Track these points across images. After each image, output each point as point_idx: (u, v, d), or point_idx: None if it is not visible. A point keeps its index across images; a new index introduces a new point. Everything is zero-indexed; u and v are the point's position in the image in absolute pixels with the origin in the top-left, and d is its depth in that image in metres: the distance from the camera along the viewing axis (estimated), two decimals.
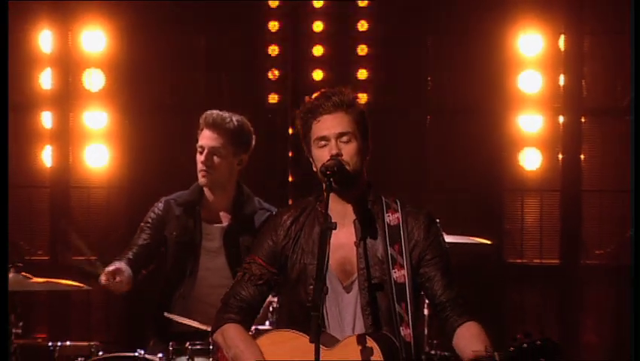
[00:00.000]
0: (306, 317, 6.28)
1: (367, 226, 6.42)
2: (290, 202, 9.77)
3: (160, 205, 8.32)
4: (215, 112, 8.23)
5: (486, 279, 9.98)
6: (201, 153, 8.17)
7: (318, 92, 6.52)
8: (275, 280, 6.57)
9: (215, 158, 8.12)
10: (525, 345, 6.01)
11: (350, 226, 6.40)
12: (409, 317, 6.35)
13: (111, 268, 8.07)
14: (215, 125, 8.16)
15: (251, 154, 8.42)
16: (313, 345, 6.09)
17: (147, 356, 7.78)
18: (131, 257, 8.19)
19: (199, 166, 8.16)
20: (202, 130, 8.18)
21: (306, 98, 6.54)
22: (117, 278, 8.10)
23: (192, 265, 8.32)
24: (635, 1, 8.62)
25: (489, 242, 9.06)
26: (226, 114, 8.24)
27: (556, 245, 10.53)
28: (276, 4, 10.32)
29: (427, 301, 6.89)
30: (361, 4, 10.36)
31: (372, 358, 6.25)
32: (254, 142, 8.38)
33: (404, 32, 10.35)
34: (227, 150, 8.20)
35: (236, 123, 8.21)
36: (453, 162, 10.37)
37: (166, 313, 8.12)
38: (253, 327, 6.91)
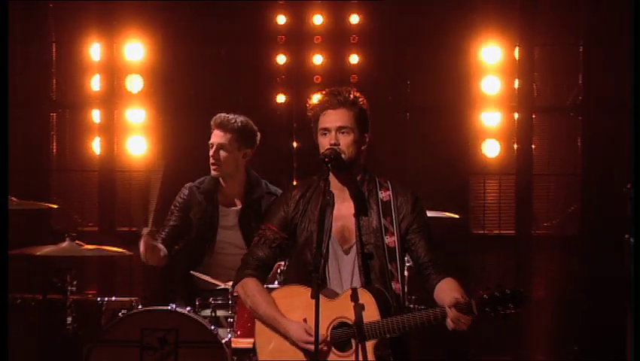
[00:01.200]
0: (309, 275, 6.30)
1: (363, 201, 6.49)
2: (294, 183, 9.80)
3: (185, 192, 8.34)
4: (223, 114, 8.23)
5: (455, 246, 9.90)
6: (211, 148, 8.12)
7: (327, 90, 6.56)
8: (286, 243, 6.58)
9: (222, 152, 8.13)
10: (496, 293, 6.02)
11: (350, 200, 6.46)
12: (399, 274, 6.40)
13: (149, 246, 8.08)
14: (222, 126, 8.14)
15: (260, 146, 8.34)
16: (333, 299, 6.26)
17: (177, 309, 7.71)
18: (164, 237, 8.28)
19: (210, 160, 8.13)
20: (212, 130, 8.13)
21: (313, 94, 6.60)
22: (154, 254, 8.10)
23: (210, 242, 8.31)
24: (635, 2, 8.14)
25: (457, 216, 9.09)
26: (231, 116, 8.21)
27: (511, 219, 10.50)
28: (283, 20, 10.27)
29: (407, 263, 6.75)
30: (353, 22, 10.30)
31: (368, 306, 6.27)
32: (258, 139, 8.31)
33: (388, 45, 10.31)
34: (232, 146, 8.15)
35: (240, 123, 8.19)
36: (428, 150, 10.31)
37: (191, 272, 8.10)
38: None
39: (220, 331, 7.71)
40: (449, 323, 6.11)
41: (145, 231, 8.12)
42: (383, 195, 6.51)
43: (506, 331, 10.05)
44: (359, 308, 6.33)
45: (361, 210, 6.48)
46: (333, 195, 6.46)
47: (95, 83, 10.40)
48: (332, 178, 6.47)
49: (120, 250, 8.41)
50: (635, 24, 8.07)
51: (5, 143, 7.58)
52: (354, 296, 6.34)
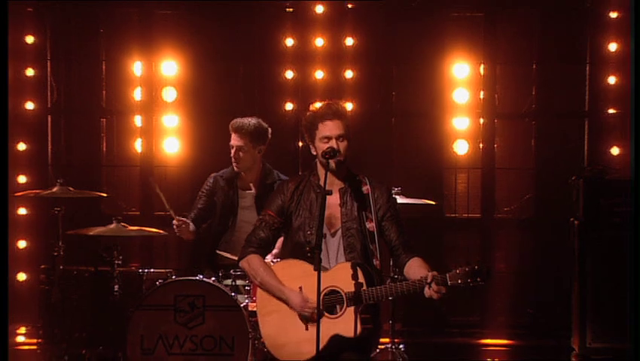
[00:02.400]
0: (303, 252, 6.41)
1: (346, 194, 6.45)
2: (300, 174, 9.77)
3: (210, 180, 8.29)
4: (238, 120, 8.17)
5: (432, 227, 9.95)
6: (231, 149, 8.10)
7: (323, 103, 6.57)
8: (282, 227, 6.60)
9: (240, 153, 8.10)
10: (467, 269, 6.06)
11: (336, 193, 6.42)
12: (378, 252, 6.39)
13: (181, 220, 8.10)
14: (238, 130, 8.10)
15: (271, 144, 8.24)
16: (312, 268, 6.13)
17: (204, 279, 7.73)
18: (193, 217, 8.25)
19: (232, 159, 8.10)
20: (231, 133, 8.09)
21: (311, 105, 6.61)
22: (184, 227, 8.08)
23: (232, 220, 8.27)
24: (635, 2, 7.90)
25: (433, 202, 9.06)
26: (245, 120, 8.13)
27: (478, 204, 10.44)
28: (290, 42, 10.20)
29: None
30: (348, 44, 10.23)
31: (354, 277, 6.29)
32: (269, 134, 8.19)
33: (377, 62, 10.27)
34: (248, 146, 8.11)
35: (252, 126, 8.11)
36: (410, 149, 10.27)
37: (217, 251, 8.12)
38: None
39: (239, 297, 7.71)
40: (427, 292, 6.11)
41: (176, 221, 8.13)
42: (363, 188, 6.49)
43: (474, 296, 10.03)
44: (348, 278, 6.33)
45: (344, 202, 6.48)
46: (325, 189, 6.36)
47: (137, 94, 10.34)
48: (322, 174, 6.47)
49: (157, 230, 8.37)
50: (636, 24, 7.82)
51: (5, 143, 7.35)
52: (344, 269, 6.36)
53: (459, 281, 6.09)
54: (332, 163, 6.38)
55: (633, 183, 7.55)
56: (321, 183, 6.43)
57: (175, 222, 8.10)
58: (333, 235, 6.47)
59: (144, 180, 10.31)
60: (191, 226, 8.23)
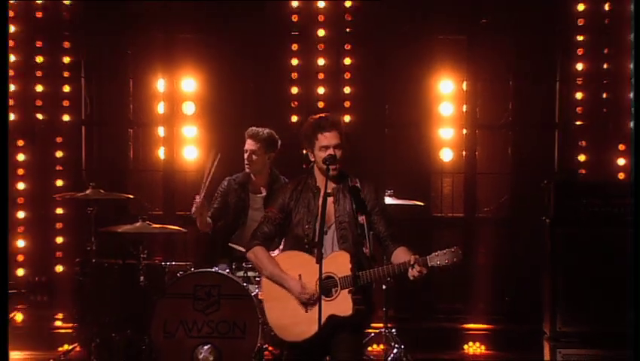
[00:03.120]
0: (302, 244, 6.46)
1: (340, 192, 6.50)
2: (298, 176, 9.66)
3: (225, 183, 8.31)
4: (254, 128, 8.21)
5: (420, 225, 9.87)
6: (245, 153, 8.11)
7: (321, 114, 6.60)
8: (283, 222, 6.58)
9: (253, 156, 8.12)
10: (444, 251, 6.17)
11: (332, 191, 6.42)
12: (367, 241, 6.29)
13: (202, 200, 8.08)
14: (253, 136, 8.14)
15: (279, 152, 8.26)
16: (309, 258, 6.27)
17: (219, 271, 7.79)
18: (210, 216, 8.21)
19: (245, 161, 8.11)
20: (246, 139, 8.13)
21: (310, 117, 6.60)
22: (203, 218, 8.11)
23: (244, 219, 8.28)
24: (635, 3, 7.75)
25: (422, 203, 9.05)
26: (260, 129, 8.18)
27: (461, 205, 10.40)
28: (295, 62, 10.20)
29: None
30: (347, 62, 10.21)
31: (346, 264, 6.30)
32: (279, 144, 8.21)
33: (372, 79, 10.23)
34: (260, 151, 8.13)
35: (266, 134, 8.15)
36: (401, 156, 10.22)
37: (230, 244, 8.10)
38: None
39: (250, 287, 7.76)
40: (410, 273, 6.17)
41: (198, 198, 8.05)
42: (354, 187, 6.45)
43: (458, 285, 10.01)
44: (341, 265, 6.34)
45: (337, 199, 6.48)
46: (319, 188, 6.48)
47: (160, 108, 10.33)
48: (318, 176, 6.51)
49: (178, 228, 8.37)
50: (636, 24, 7.60)
51: (5, 143, 7.01)
52: (337, 257, 6.37)
53: (438, 262, 6.16)
54: (331, 168, 6.41)
55: (633, 183, 7.45)
56: (318, 184, 6.48)
57: (197, 198, 8.06)
58: (328, 228, 6.46)
59: (166, 183, 10.31)
60: (208, 218, 8.23)
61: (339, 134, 6.45)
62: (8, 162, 7.56)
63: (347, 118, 10.07)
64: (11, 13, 9.86)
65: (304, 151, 6.67)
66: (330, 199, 6.40)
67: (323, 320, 6.18)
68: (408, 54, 10.20)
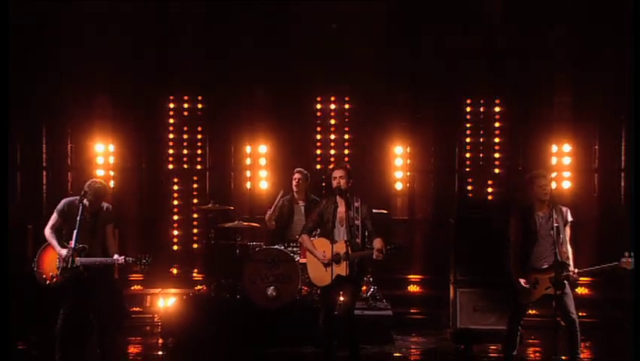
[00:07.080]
0: (328, 234, 6.17)
1: (349, 207, 6.18)
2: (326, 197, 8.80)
3: (280, 202, 8.00)
4: (300, 168, 8.04)
5: (385, 224, 8.56)
6: (294, 180, 7.93)
7: (335, 164, 6.81)
8: (319, 222, 6.28)
9: (300, 182, 7.95)
10: (392, 245, 6.06)
11: (343, 206, 6.17)
12: (360, 234, 6.11)
13: (270, 217, 7.80)
14: (300, 172, 7.98)
15: (310, 182, 7.96)
16: (335, 243, 6.03)
17: (278, 247, 7.54)
18: (274, 220, 8.01)
19: (294, 184, 7.93)
20: (294, 174, 7.95)
21: (330, 166, 6.56)
22: (270, 221, 7.83)
23: (291, 221, 7.97)
24: (635, 3, 5.36)
25: (386, 211, 8.22)
26: (302, 169, 8.00)
27: (406, 211, 9.46)
28: (319, 137, 9.39)
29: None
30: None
31: (347, 246, 6.08)
32: (309, 179, 8.00)
33: (359, 147, 9.36)
34: (302, 180, 7.93)
35: (306, 172, 8.01)
36: (375, 181, 9.25)
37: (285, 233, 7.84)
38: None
39: (294, 255, 7.55)
40: (374, 255, 5.96)
41: (269, 212, 7.85)
42: (356, 204, 6.17)
43: (405, 261, 8.99)
44: (344, 247, 6.14)
45: (348, 210, 6.16)
46: (338, 204, 6.19)
47: (247, 160, 9.21)
48: (337, 197, 6.24)
49: (256, 224, 8.12)
50: (636, 24, 5.26)
51: (5, 143, 4.78)
52: (343, 243, 6.16)
53: (388, 248, 6.01)
54: (339, 192, 6.18)
55: (633, 183, 5.87)
56: (336, 201, 6.12)
57: (267, 215, 7.83)
58: (341, 225, 6.21)
59: (251, 201, 9.36)
60: (273, 221, 7.94)
61: (344, 172, 6.18)
62: (8, 162, 5.34)
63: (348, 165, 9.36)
64: None
65: (323, 183, 6.51)
66: (343, 209, 6.12)
67: (333, 276, 6.10)
68: (371, 133, 9.31)
